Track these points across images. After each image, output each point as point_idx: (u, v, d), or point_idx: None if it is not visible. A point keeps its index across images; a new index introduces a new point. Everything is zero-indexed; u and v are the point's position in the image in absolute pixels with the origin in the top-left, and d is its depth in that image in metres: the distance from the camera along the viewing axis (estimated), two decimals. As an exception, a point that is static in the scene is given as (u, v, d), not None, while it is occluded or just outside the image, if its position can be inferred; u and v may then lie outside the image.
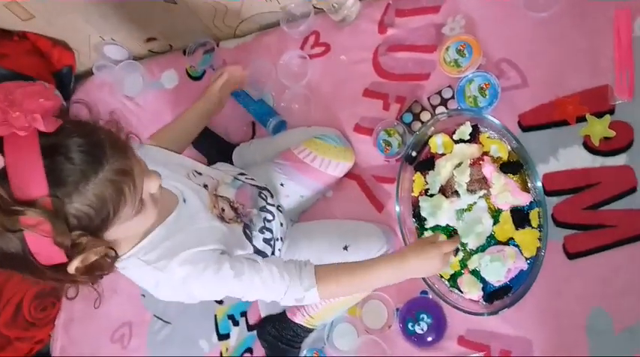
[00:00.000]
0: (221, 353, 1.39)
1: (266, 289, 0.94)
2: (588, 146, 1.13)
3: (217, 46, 1.54)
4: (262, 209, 1.13)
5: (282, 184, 1.25)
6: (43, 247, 0.67)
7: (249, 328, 1.37)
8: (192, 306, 1.43)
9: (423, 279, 1.15)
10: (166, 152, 1.09)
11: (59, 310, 1.61)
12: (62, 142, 0.66)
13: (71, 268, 0.71)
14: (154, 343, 1.47)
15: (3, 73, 1.47)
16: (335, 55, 1.39)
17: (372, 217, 1.29)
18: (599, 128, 1.12)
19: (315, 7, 1.41)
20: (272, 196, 1.19)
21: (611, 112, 1.11)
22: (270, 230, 1.13)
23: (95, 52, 1.62)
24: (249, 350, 1.37)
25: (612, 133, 1.10)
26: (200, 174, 1.07)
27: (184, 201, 0.96)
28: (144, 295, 1.51)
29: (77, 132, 0.68)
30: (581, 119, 1.13)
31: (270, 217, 1.14)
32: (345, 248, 1.19)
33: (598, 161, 1.12)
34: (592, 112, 1.12)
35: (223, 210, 1.03)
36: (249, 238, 1.06)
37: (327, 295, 0.98)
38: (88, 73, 1.66)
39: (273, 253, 1.14)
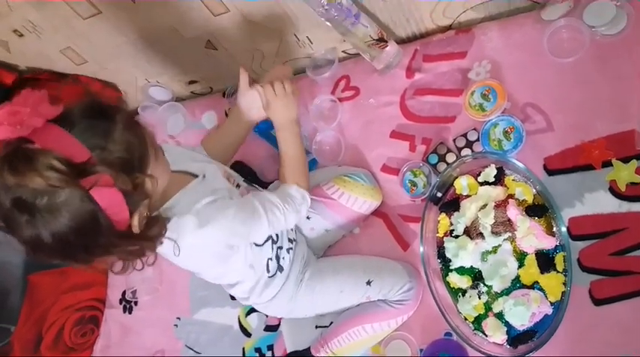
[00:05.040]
0: (248, 385, 1.42)
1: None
2: (614, 191, 1.12)
3: (254, 88, 1.62)
4: None
5: (308, 217, 1.30)
6: (110, 198, 0.78)
7: (275, 361, 1.40)
8: (222, 339, 1.48)
9: (447, 321, 1.15)
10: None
11: (98, 336, 1.68)
12: (71, 116, 0.79)
13: (135, 223, 0.83)
14: (185, 373, 1.52)
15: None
16: (364, 99, 1.44)
17: (398, 256, 1.31)
18: (625, 173, 1.11)
19: (346, 53, 1.48)
20: None
21: (638, 157, 1.10)
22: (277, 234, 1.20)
23: (141, 93, 1.73)
24: (275, 383, 1.39)
25: (639, 179, 1.09)
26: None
27: (204, 176, 1.06)
28: (177, 326, 1.56)
29: (78, 105, 0.81)
30: (607, 164, 1.13)
31: None
32: (369, 283, 1.22)
33: (624, 207, 1.10)
34: (618, 157, 1.12)
35: (238, 185, 1.15)
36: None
37: (304, 184, 1.19)
38: (134, 113, 1.76)
39: (277, 259, 1.21)
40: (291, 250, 1.24)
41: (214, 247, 1.04)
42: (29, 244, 0.78)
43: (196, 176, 1.05)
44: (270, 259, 1.18)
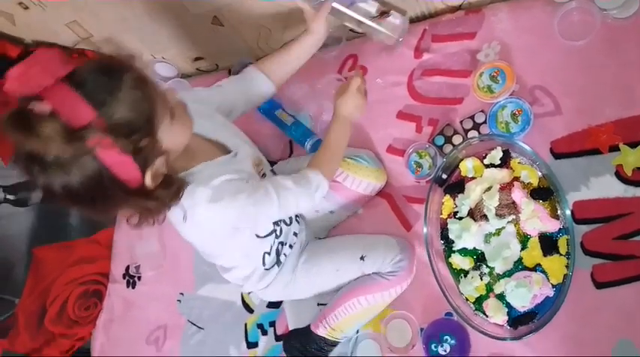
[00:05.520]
0: (249, 361, 1.44)
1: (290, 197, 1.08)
2: (621, 176, 1.12)
3: (260, 66, 1.61)
4: None
5: None
6: (114, 157, 0.79)
7: (277, 338, 1.41)
8: (224, 314, 1.49)
9: (448, 301, 1.16)
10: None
11: (101, 310, 1.69)
12: (80, 75, 0.77)
13: (148, 180, 0.84)
14: (187, 347, 1.53)
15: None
16: (371, 78, 1.42)
17: (400, 236, 1.31)
18: (632, 158, 1.11)
19: (354, 32, 1.46)
20: None
21: (645, 142, 1.10)
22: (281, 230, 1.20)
23: (146, 69, 1.72)
24: (277, 359, 1.41)
25: (645, 164, 1.10)
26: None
27: (235, 155, 1.06)
28: (180, 301, 1.58)
29: (88, 64, 0.80)
30: (614, 149, 1.13)
31: (287, 220, 1.23)
32: (362, 258, 1.23)
33: (630, 191, 1.10)
34: (625, 142, 1.12)
35: (264, 175, 1.14)
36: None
37: (328, 175, 1.14)
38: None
39: (277, 254, 1.21)
40: (293, 245, 1.25)
41: (220, 224, 1.04)
42: (43, 190, 0.81)
43: (229, 151, 1.06)
44: (268, 253, 1.18)
